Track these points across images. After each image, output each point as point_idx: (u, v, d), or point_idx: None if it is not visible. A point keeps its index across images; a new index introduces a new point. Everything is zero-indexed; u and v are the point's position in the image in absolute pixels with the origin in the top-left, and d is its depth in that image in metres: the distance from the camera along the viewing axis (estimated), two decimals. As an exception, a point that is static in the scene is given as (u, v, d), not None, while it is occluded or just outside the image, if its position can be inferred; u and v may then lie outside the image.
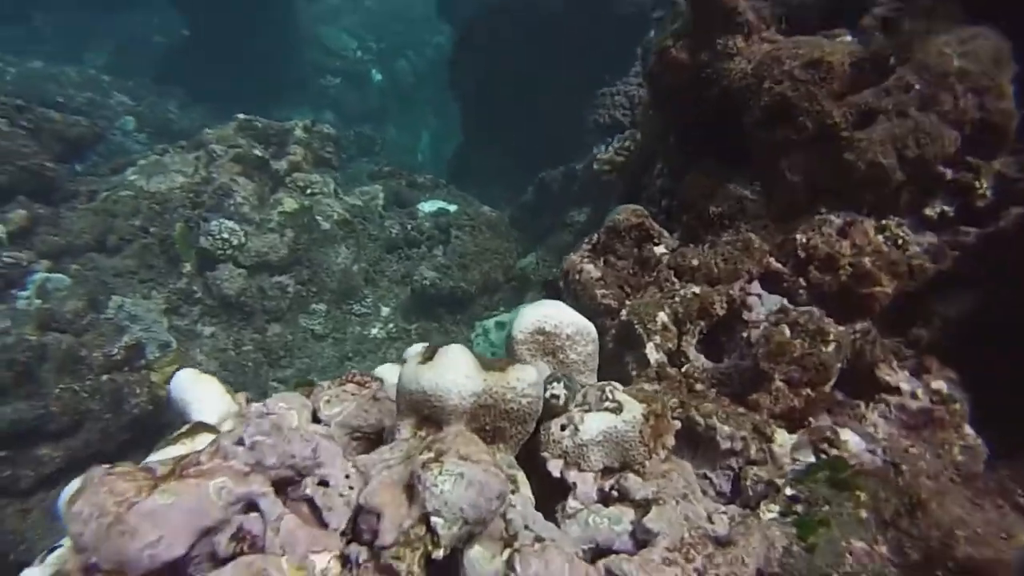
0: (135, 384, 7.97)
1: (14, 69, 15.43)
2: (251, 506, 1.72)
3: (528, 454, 2.35)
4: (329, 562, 1.60)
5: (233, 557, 1.61)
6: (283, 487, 1.83)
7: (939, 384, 2.96)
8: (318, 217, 10.64)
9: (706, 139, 3.96)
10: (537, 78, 12.95)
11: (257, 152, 10.49)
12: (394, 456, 1.90)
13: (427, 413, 2.02)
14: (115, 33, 18.03)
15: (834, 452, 2.51)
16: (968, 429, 2.90)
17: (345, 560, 1.65)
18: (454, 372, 2.00)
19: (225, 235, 9.69)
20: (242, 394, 2.87)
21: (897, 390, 2.96)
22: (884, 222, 3.21)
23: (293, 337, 9.92)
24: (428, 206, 11.77)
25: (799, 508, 2.13)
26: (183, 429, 2.34)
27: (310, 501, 1.80)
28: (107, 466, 1.74)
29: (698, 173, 3.89)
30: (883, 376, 2.97)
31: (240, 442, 1.76)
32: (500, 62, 13.41)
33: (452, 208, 11.59)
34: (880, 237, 3.16)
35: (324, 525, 1.75)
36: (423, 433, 2.03)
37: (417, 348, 2.30)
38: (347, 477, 1.90)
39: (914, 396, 2.95)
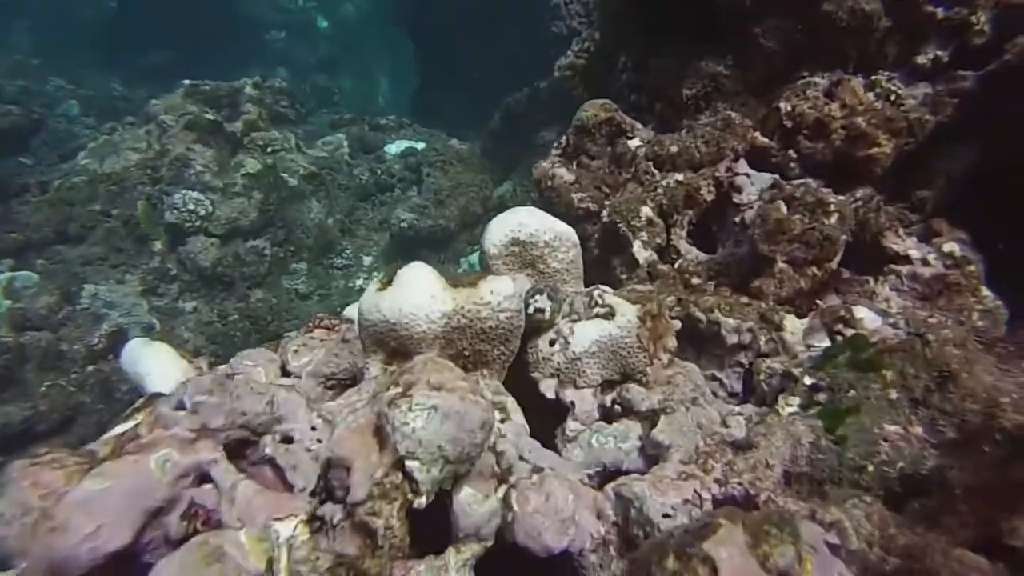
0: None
1: (-74, 64, 14.64)
2: (205, 478, 1.50)
3: (518, 378, 2.13)
4: (296, 528, 1.39)
5: (187, 538, 1.39)
6: (241, 450, 1.60)
7: (951, 246, 2.73)
8: (284, 174, 10.27)
9: (669, 20, 3.63)
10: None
11: (209, 116, 10.03)
12: (362, 398, 1.67)
13: (394, 345, 1.78)
14: (34, 12, 17.00)
15: (850, 332, 2.29)
16: (986, 291, 2.69)
17: (318, 523, 1.43)
18: (417, 293, 1.75)
19: (191, 206, 9.35)
20: (203, 358, 2.63)
21: (907, 259, 2.73)
22: (873, 78, 2.93)
23: (278, 300, 9.69)
24: (395, 147, 11.38)
25: (822, 397, 1.91)
26: (137, 403, 2.10)
27: (272, 462, 1.57)
28: (32, 456, 1.51)
29: (665, 57, 3.58)
30: (890, 245, 2.74)
31: (180, 406, 1.52)
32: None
33: (420, 146, 11.20)
34: (871, 94, 2.89)
35: (290, 487, 1.53)
36: (394, 368, 1.80)
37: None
38: (313, 429, 1.67)
39: (926, 263, 2.72)
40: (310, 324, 2.60)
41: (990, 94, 2.84)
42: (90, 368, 7.78)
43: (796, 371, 2.10)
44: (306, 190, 10.37)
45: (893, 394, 1.81)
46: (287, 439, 1.63)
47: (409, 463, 1.38)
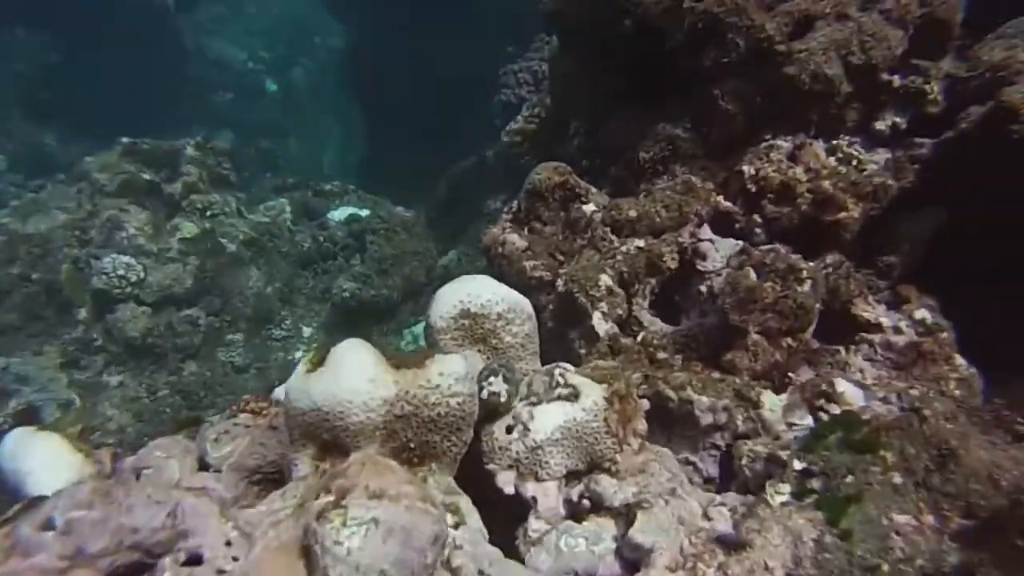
0: (33, 452, 7.10)
1: None
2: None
3: (470, 470, 1.86)
4: None
5: None
6: (132, 577, 1.28)
7: (922, 313, 2.62)
8: (222, 239, 9.88)
9: (625, 83, 3.54)
10: (436, 69, 12.47)
11: (146, 176, 9.63)
12: (287, 505, 1.38)
13: (327, 437, 1.51)
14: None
15: (833, 408, 2.11)
16: (959, 359, 2.57)
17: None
18: (354, 376, 1.49)
19: (121, 271, 8.85)
20: (106, 450, 2.27)
21: (878, 327, 2.60)
22: (835, 142, 2.87)
23: (212, 373, 9.15)
24: (339, 214, 11.14)
25: (816, 484, 1.71)
26: (10, 512, 1.74)
27: (170, 591, 1.26)
28: None
29: (621, 120, 3.47)
30: (861, 313, 2.61)
31: (48, 525, 1.20)
32: (398, 55, 12.86)
33: (364, 213, 10.99)
34: (832, 159, 2.81)
35: (191, 625, 1.22)
36: (327, 465, 1.52)
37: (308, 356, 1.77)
38: (228, 544, 1.37)
39: (898, 331, 2.60)
40: (234, 407, 2.30)
41: (947, 161, 2.81)
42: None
43: (783, 454, 1.89)
44: (245, 256, 10.01)
45: (897, 478, 1.62)
46: (194, 559, 1.33)
47: (342, 595, 1.10)
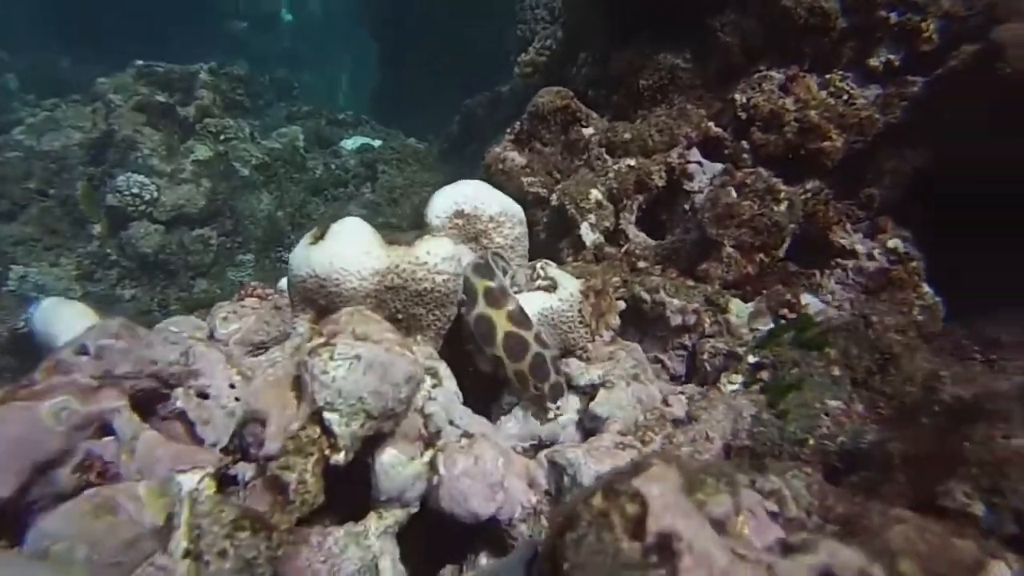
0: (48, 355, 7.35)
1: None
2: (108, 431, 1.37)
3: (453, 351, 2.04)
4: (201, 481, 1.27)
5: (78, 492, 1.26)
6: (150, 405, 1.47)
7: (895, 243, 2.76)
8: (235, 163, 9.97)
9: (636, 12, 3.60)
10: (451, 3, 12.36)
11: (160, 98, 9.68)
12: (285, 353, 1.57)
13: (324, 303, 1.68)
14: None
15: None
16: (926, 288, 2.72)
17: (227, 480, 1.32)
18: (351, 248, 1.65)
19: (135, 190, 8.96)
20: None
21: (853, 253, 2.74)
22: (828, 76, 2.95)
23: (222, 291, 9.33)
24: (351, 143, 11.20)
25: (765, 375, 1.88)
26: (42, 365, 1.94)
27: (183, 416, 1.45)
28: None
29: (628, 51, 3.55)
30: (837, 239, 2.75)
31: (83, 350, 1.38)
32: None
33: (377, 143, 11.05)
34: (824, 92, 2.90)
35: (200, 442, 1.42)
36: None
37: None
38: (232, 387, 1.56)
39: (871, 257, 2.74)
40: (241, 292, 2.48)
41: (936, 99, 2.89)
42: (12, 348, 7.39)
43: (740, 350, 2.06)
44: (257, 180, 10.10)
45: (836, 371, 1.79)
46: (202, 395, 1.52)
47: (328, 415, 1.28)
